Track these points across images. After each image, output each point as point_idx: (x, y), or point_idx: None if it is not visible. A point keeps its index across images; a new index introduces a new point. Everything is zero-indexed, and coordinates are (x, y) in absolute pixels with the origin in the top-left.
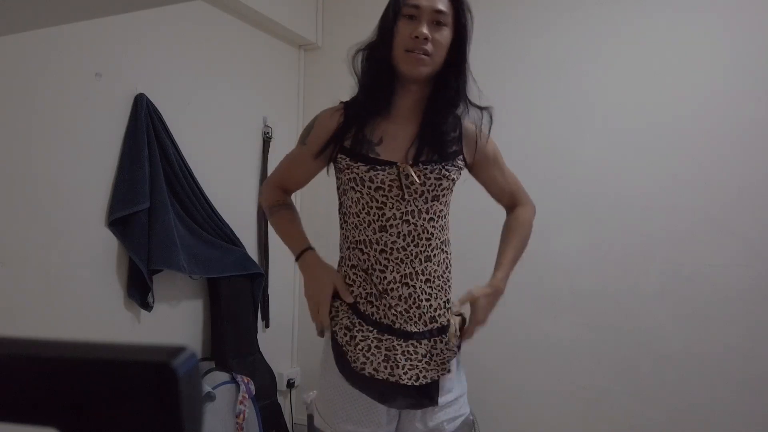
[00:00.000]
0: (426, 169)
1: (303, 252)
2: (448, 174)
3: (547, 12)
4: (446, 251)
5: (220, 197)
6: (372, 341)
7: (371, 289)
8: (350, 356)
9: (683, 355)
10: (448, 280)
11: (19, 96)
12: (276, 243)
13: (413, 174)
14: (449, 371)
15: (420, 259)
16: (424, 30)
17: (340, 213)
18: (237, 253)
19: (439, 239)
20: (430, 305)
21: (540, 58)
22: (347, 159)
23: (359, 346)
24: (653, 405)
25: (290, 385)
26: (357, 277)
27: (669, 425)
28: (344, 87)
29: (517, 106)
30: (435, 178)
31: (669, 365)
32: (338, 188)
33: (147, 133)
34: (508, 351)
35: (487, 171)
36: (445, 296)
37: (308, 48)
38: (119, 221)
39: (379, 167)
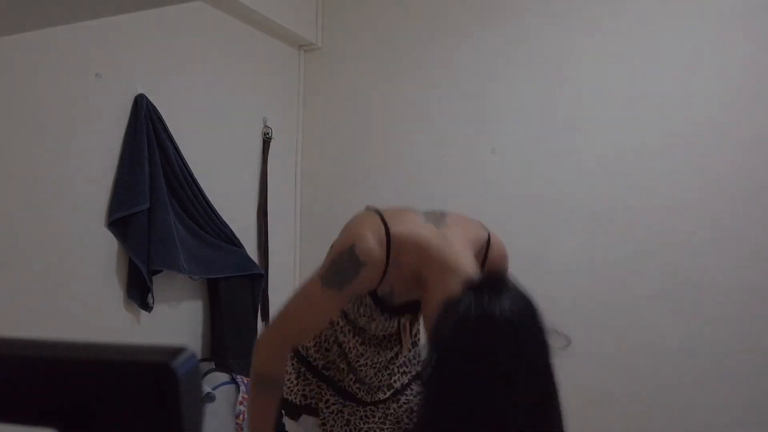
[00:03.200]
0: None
1: None
2: None
3: (548, 13)
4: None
5: (220, 198)
6: (336, 405)
7: (339, 363)
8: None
9: (683, 356)
10: (411, 342)
11: (19, 96)
12: (276, 244)
13: (409, 331)
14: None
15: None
16: None
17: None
18: (237, 253)
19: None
20: (392, 374)
21: (540, 60)
22: (369, 298)
23: (326, 411)
24: (653, 406)
25: None
26: (330, 353)
27: (669, 426)
28: (344, 88)
29: (517, 109)
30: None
31: (669, 366)
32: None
33: (147, 133)
34: None
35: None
36: (402, 362)
37: (308, 49)
38: (119, 222)
39: (387, 318)
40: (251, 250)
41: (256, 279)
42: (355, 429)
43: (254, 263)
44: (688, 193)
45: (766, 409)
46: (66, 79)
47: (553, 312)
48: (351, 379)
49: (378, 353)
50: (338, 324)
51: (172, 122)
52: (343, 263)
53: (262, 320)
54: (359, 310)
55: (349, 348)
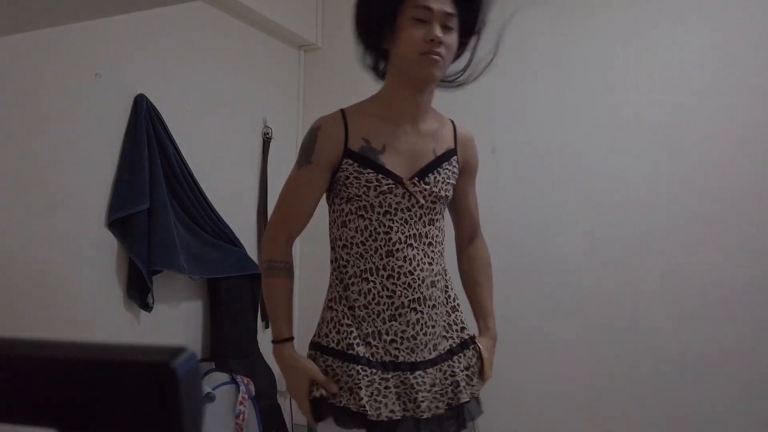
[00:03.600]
0: (429, 186)
1: (284, 340)
2: (448, 185)
3: (551, 14)
4: (446, 278)
5: (220, 198)
6: (379, 383)
7: (369, 327)
8: (361, 408)
9: (683, 355)
10: (450, 307)
11: (18, 96)
12: None
13: (419, 195)
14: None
15: (427, 284)
16: (439, 33)
17: (337, 248)
18: (237, 253)
19: (440, 264)
20: (436, 332)
21: (542, 60)
22: (355, 164)
23: (366, 392)
24: (652, 405)
25: None
26: (355, 319)
27: (668, 425)
28: (344, 88)
29: (517, 109)
30: (436, 196)
31: (668, 365)
32: (335, 221)
33: (147, 133)
34: (507, 351)
35: (464, 183)
36: (444, 321)
37: (308, 49)
38: (119, 222)
39: (384, 180)
40: (251, 250)
41: (256, 279)
42: (408, 400)
43: (254, 263)
44: (688, 194)
45: (766, 409)
46: (66, 79)
47: (553, 312)
48: (386, 340)
49: (408, 286)
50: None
51: (172, 122)
52: (304, 142)
53: (262, 320)
54: (361, 189)
55: (377, 292)
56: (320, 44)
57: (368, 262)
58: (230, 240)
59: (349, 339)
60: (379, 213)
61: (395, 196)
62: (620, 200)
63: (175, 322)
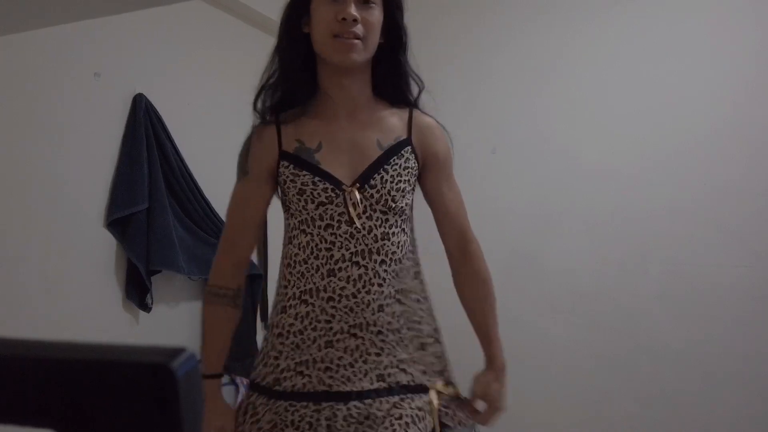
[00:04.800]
0: (375, 190)
1: (211, 376)
2: (400, 187)
3: (549, 15)
4: (405, 303)
5: (220, 198)
6: (311, 417)
7: (304, 354)
8: None
9: (683, 356)
10: (408, 337)
11: (17, 96)
12: (275, 244)
13: (359, 203)
14: None
15: (372, 308)
16: (353, 11)
17: (282, 267)
18: None
19: (394, 287)
20: (380, 361)
21: (541, 62)
22: (291, 166)
23: (299, 429)
24: (652, 405)
25: None
26: (285, 347)
27: (668, 425)
28: None
29: (518, 109)
30: (385, 206)
31: (668, 365)
32: (285, 237)
33: (146, 133)
34: (507, 351)
35: (434, 180)
36: (403, 354)
37: None
38: (118, 222)
39: (320, 185)
40: None
41: (255, 279)
42: None
43: (253, 263)
44: (688, 193)
45: (766, 409)
46: (64, 79)
47: (553, 312)
48: (321, 368)
49: (350, 310)
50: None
51: (171, 122)
52: (239, 155)
53: (262, 320)
54: (299, 199)
55: (315, 316)
56: None
57: (308, 282)
58: None
59: (276, 373)
60: (320, 227)
61: (337, 206)
62: (620, 200)
63: (174, 322)
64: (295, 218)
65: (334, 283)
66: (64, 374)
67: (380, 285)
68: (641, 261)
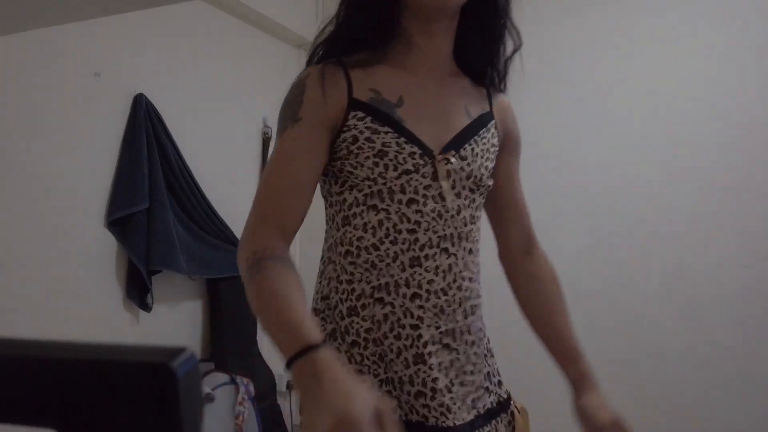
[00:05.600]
0: (466, 162)
1: (312, 348)
2: (487, 165)
3: (549, 13)
4: (481, 299)
5: (220, 197)
6: None
7: (387, 371)
8: None
9: (683, 356)
10: (488, 348)
11: (18, 96)
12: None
13: (456, 177)
14: None
15: (464, 309)
16: None
17: (336, 258)
18: (236, 253)
19: (479, 282)
20: (473, 381)
21: (542, 60)
22: (368, 119)
23: None
24: (653, 405)
25: (290, 386)
26: (366, 360)
27: (668, 425)
28: None
29: (517, 108)
30: (476, 182)
31: (669, 365)
32: (333, 219)
33: (146, 133)
34: (507, 351)
35: (509, 165)
36: (486, 368)
37: (307, 48)
38: (118, 222)
39: (407, 148)
40: None
41: None
42: None
43: None
44: (689, 193)
45: (766, 409)
46: (65, 79)
47: None
48: (411, 392)
49: (441, 311)
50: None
51: (171, 122)
52: (286, 101)
53: None
54: (371, 159)
55: (396, 320)
56: None
57: (383, 275)
58: (229, 240)
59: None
60: (400, 202)
61: (423, 177)
62: (621, 200)
63: (175, 322)
64: (360, 190)
65: (420, 275)
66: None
67: (471, 280)
68: (642, 261)
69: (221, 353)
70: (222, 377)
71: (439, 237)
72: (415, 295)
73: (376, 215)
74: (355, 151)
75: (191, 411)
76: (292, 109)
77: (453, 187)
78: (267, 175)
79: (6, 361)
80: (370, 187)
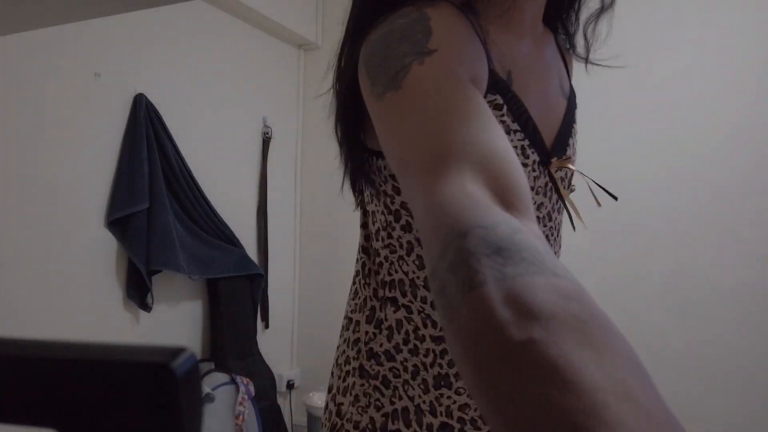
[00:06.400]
0: (571, 156)
1: None
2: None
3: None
4: None
5: (220, 197)
6: None
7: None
8: None
9: (683, 355)
10: None
11: (17, 96)
12: (276, 243)
13: (561, 185)
14: None
15: None
16: None
17: (404, 296)
18: (236, 253)
19: None
20: None
21: None
22: (505, 110)
23: None
24: None
25: (290, 386)
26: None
27: None
28: None
29: None
30: (571, 182)
31: (669, 365)
32: (401, 240)
33: (146, 133)
34: None
35: None
36: None
37: (308, 48)
38: (118, 222)
39: (529, 147)
40: (251, 250)
41: (255, 279)
42: None
43: (254, 263)
44: (690, 193)
45: (766, 409)
46: (65, 79)
47: None
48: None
49: None
50: None
51: (171, 121)
52: (390, 33)
53: (262, 320)
54: None
55: None
56: (320, 43)
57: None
58: (229, 240)
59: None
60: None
61: (536, 194)
62: (621, 200)
63: (175, 322)
64: None
65: (442, 399)
66: (65, 373)
67: None
68: (642, 261)
69: (221, 353)
70: (222, 377)
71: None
72: (443, 427)
73: None
74: None
75: (191, 411)
76: (406, 43)
77: (564, 197)
78: (422, 132)
79: (5, 361)
80: None
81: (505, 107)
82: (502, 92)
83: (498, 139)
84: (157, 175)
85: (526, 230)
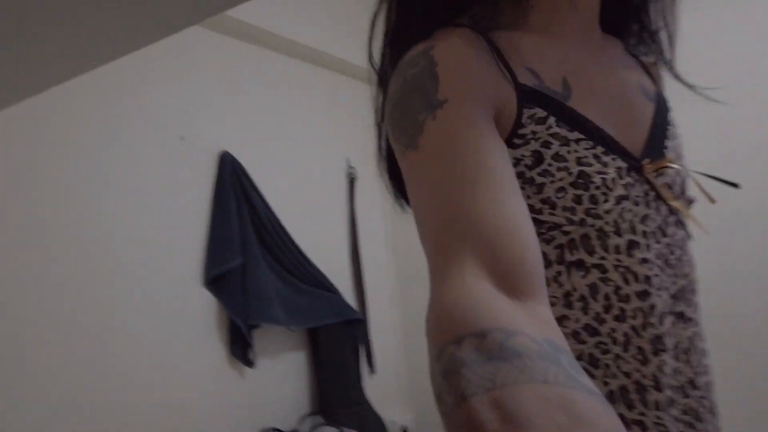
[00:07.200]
0: (675, 159)
1: None
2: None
3: None
4: None
5: (311, 244)
6: None
7: None
8: None
9: None
10: None
11: (106, 162)
12: (372, 286)
13: (667, 192)
14: None
15: (712, 406)
16: None
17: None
18: (333, 299)
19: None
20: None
21: None
22: (552, 120)
23: None
24: None
25: (404, 430)
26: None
27: None
28: None
29: None
30: (686, 189)
31: None
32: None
33: (233, 188)
34: None
35: None
36: None
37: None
38: (214, 280)
39: (606, 155)
40: (347, 295)
41: (355, 324)
42: None
43: (352, 308)
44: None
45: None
46: (152, 144)
47: None
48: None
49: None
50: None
51: (256, 174)
52: (401, 87)
53: (367, 365)
54: (569, 187)
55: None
56: None
57: (614, 375)
58: (325, 286)
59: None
60: (618, 250)
61: (636, 204)
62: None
63: (279, 375)
64: (549, 241)
65: (666, 367)
66: None
67: (707, 355)
68: None
69: (328, 403)
70: (331, 431)
71: (671, 296)
72: (670, 403)
73: (583, 277)
74: (539, 179)
75: None
76: (417, 96)
77: (676, 208)
78: (433, 202)
79: None
80: (567, 234)
81: (551, 119)
82: (542, 103)
83: (504, 208)
84: (247, 230)
85: (522, 330)
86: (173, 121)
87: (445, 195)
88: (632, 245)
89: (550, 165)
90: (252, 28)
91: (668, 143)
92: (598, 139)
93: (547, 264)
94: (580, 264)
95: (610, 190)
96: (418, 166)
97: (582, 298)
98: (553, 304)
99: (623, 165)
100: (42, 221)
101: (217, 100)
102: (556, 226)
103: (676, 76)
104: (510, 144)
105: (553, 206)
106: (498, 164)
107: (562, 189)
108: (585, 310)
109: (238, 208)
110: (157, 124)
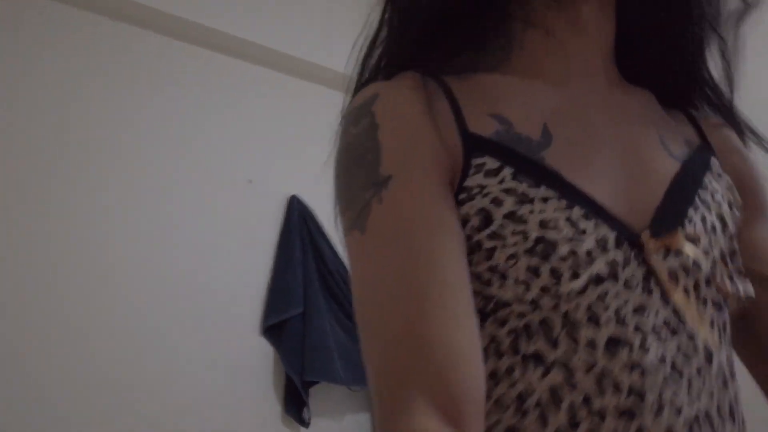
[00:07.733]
0: (695, 242)
1: None
2: (733, 235)
3: None
4: None
5: None
6: None
7: None
8: None
9: None
10: None
11: (170, 206)
12: None
13: (691, 272)
14: None
15: None
16: None
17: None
18: None
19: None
20: None
21: None
22: (507, 171)
23: None
24: None
25: None
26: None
27: None
28: None
29: None
30: (720, 275)
31: None
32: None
33: (300, 234)
34: None
35: (755, 224)
36: None
37: None
38: (273, 329)
39: (586, 218)
40: None
41: None
42: None
43: None
44: None
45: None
46: (220, 186)
47: None
48: None
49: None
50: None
51: (326, 220)
52: (341, 159)
53: None
54: (523, 256)
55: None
56: None
57: None
58: None
59: None
60: (592, 345)
61: (627, 288)
62: None
63: None
64: (502, 323)
65: None
66: None
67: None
68: None
69: None
70: None
71: (686, 420)
72: None
73: (541, 378)
74: (489, 242)
75: None
76: (361, 169)
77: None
78: (375, 305)
79: None
80: (522, 316)
81: (506, 169)
82: (495, 152)
83: (456, 333)
84: (311, 277)
85: None
86: (242, 163)
87: (394, 304)
88: (615, 342)
89: (501, 227)
90: (328, 72)
91: (696, 215)
92: (574, 198)
93: (498, 355)
94: (538, 358)
95: (584, 265)
96: (366, 252)
97: (539, 404)
98: (502, 409)
99: (610, 235)
100: (113, 266)
101: (285, 145)
102: (507, 305)
103: (745, 127)
104: (456, 200)
105: (503, 277)
106: (452, 271)
107: (513, 256)
108: (543, 422)
109: (303, 255)
110: (225, 166)
